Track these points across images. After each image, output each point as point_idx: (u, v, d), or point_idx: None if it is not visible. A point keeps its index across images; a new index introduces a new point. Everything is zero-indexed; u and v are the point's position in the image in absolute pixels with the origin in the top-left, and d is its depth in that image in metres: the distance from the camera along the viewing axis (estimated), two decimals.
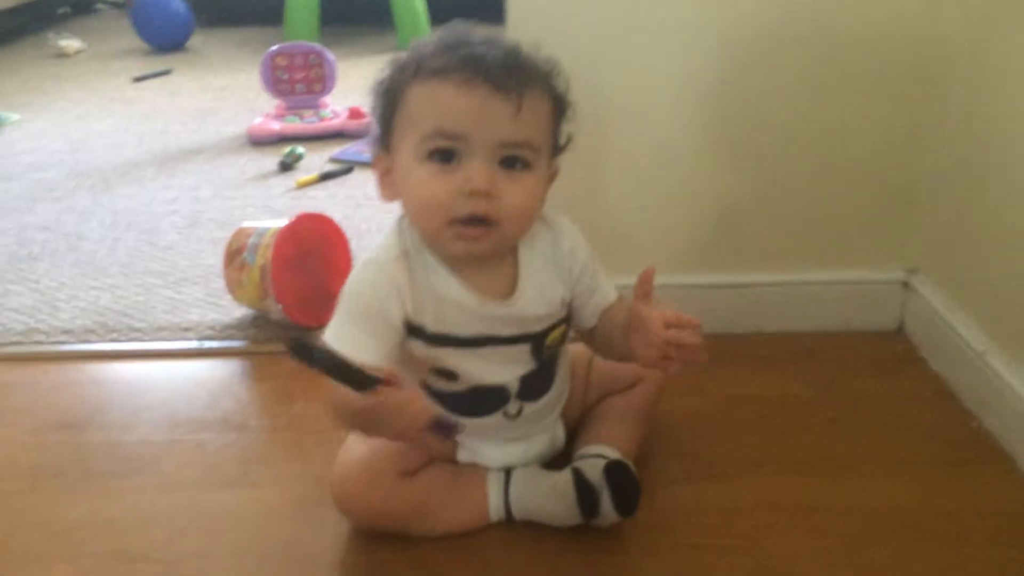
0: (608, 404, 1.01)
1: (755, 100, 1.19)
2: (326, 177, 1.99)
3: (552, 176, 0.88)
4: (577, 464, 0.91)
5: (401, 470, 0.90)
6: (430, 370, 0.89)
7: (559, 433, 1.00)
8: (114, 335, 1.33)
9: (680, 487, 0.98)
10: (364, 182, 1.96)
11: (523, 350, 0.89)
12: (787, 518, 0.94)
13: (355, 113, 2.32)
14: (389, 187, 0.86)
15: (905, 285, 1.28)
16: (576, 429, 1.01)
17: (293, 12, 3.31)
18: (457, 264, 0.85)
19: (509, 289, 0.87)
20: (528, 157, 0.81)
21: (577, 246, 0.91)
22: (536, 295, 0.88)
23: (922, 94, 1.19)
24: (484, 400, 0.90)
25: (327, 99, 2.40)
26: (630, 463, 0.91)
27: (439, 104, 0.79)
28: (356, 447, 0.92)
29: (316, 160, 2.12)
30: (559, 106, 0.85)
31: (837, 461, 1.03)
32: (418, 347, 0.87)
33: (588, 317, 0.94)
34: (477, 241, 0.82)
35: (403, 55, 0.83)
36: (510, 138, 0.79)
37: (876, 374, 1.21)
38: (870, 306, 1.30)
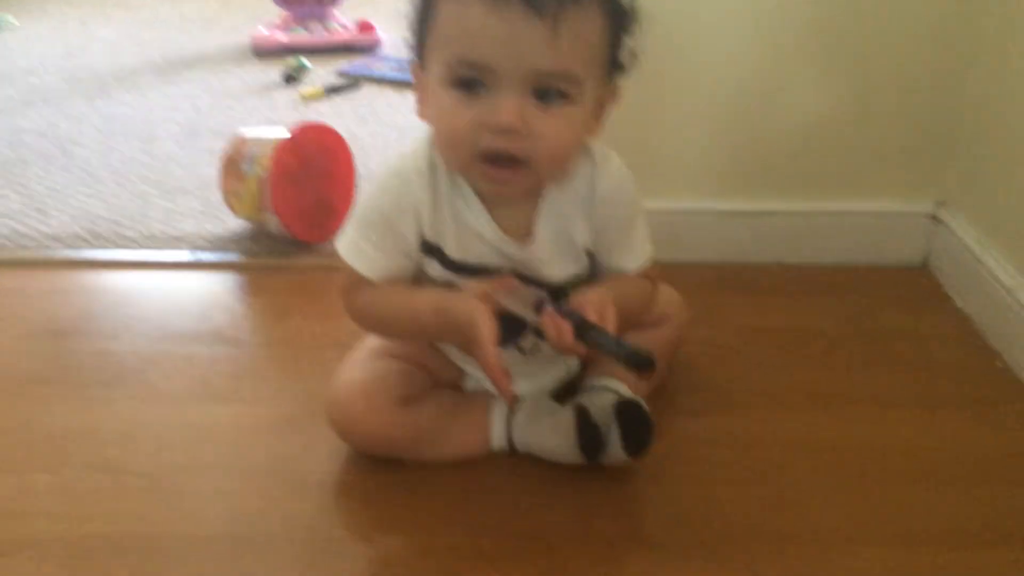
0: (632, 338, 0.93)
1: (789, 25, 1.12)
2: (332, 91, 1.91)
3: (611, 98, 0.78)
4: (583, 401, 0.85)
5: (401, 396, 0.85)
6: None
7: (573, 366, 0.93)
8: (104, 243, 1.27)
9: (691, 419, 0.94)
10: (371, 98, 1.89)
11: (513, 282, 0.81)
12: (802, 453, 0.90)
13: (364, 26, 2.23)
14: (424, 104, 0.77)
15: (934, 218, 1.22)
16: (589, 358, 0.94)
17: None
18: (484, 192, 0.78)
19: (528, 231, 0.80)
20: (567, 89, 0.70)
21: (617, 193, 0.81)
22: (552, 242, 0.80)
23: (958, 23, 1.12)
24: (499, 329, 0.83)
25: (335, 11, 2.31)
26: (642, 401, 0.84)
27: (467, 26, 0.69)
28: (354, 370, 0.87)
29: (322, 74, 2.04)
30: (617, 21, 0.73)
31: (856, 397, 0.99)
32: (435, 268, 0.81)
33: (611, 270, 0.85)
34: (506, 183, 0.74)
35: None
36: (545, 67, 0.69)
37: (900, 310, 1.16)
38: (896, 239, 1.25)
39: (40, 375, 1.00)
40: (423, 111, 0.77)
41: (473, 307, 0.74)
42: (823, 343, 1.08)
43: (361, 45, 2.21)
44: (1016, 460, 0.90)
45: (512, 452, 0.87)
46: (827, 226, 1.24)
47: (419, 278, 0.83)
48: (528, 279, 0.80)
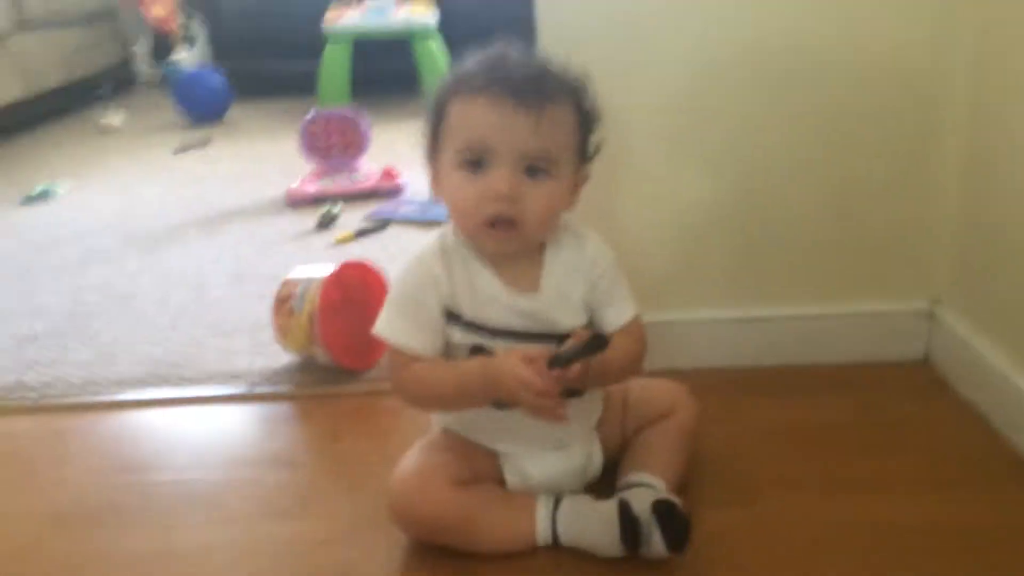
0: (648, 433, 1.04)
1: (775, 131, 1.25)
2: (362, 234, 2.07)
3: (583, 180, 0.98)
4: (624, 495, 0.94)
5: (453, 479, 0.95)
6: (468, 350, 0.96)
7: (596, 454, 1.04)
8: (166, 383, 1.39)
9: (723, 510, 1.01)
10: (398, 237, 2.04)
11: (551, 349, 0.93)
12: (824, 536, 0.97)
13: (388, 174, 2.41)
14: (437, 188, 0.97)
15: (930, 315, 1.32)
16: (618, 459, 1.05)
17: (326, 81, 3.46)
18: (491, 259, 0.95)
19: (534, 285, 0.96)
20: (548, 167, 0.91)
21: (601, 253, 1.00)
22: (557, 293, 0.96)
23: (934, 124, 1.24)
24: None
25: (361, 161, 2.50)
26: (677, 500, 0.94)
27: (471, 119, 0.90)
28: (410, 461, 0.98)
29: (352, 218, 2.20)
30: (586, 119, 0.95)
31: (871, 483, 1.06)
32: (456, 333, 0.95)
33: (605, 327, 0.99)
34: (505, 240, 0.92)
35: (449, 75, 0.94)
36: (531, 149, 0.89)
37: (907, 401, 1.24)
38: (896, 337, 1.34)
39: (120, 505, 1.10)
40: (436, 190, 0.97)
41: (512, 357, 0.90)
42: (837, 435, 1.17)
43: (386, 190, 2.38)
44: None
45: (555, 546, 0.95)
46: (831, 328, 1.33)
47: (446, 353, 0.97)
48: (539, 336, 0.94)
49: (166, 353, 1.49)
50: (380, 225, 2.12)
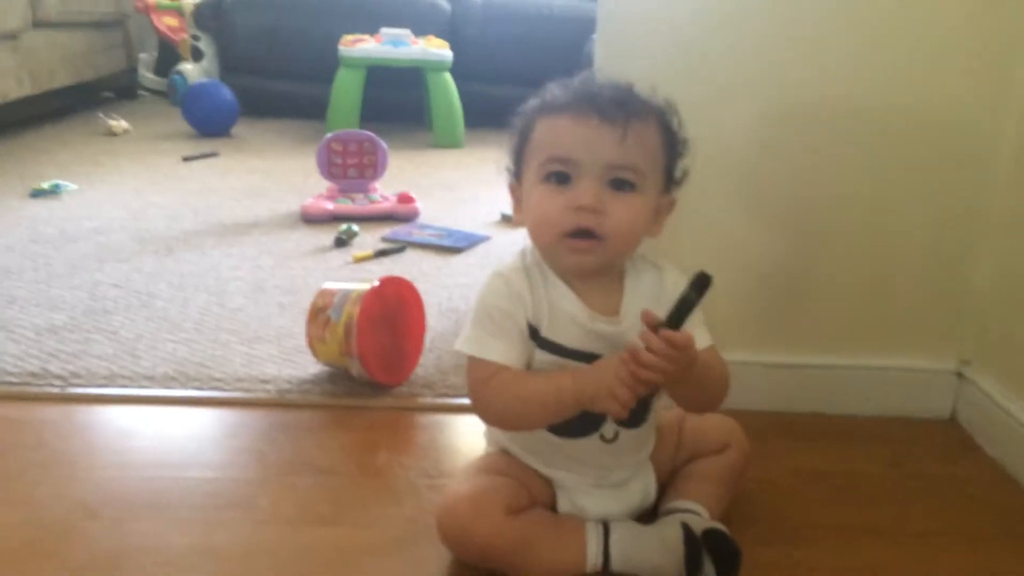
0: (698, 464, 1.05)
1: (827, 184, 1.28)
2: (381, 254, 2.07)
3: (669, 207, 0.97)
4: (685, 519, 0.95)
5: (507, 506, 0.94)
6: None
7: (651, 486, 1.04)
8: (196, 383, 1.37)
9: (764, 548, 1.02)
10: (417, 261, 2.05)
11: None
12: None
13: (404, 198, 2.42)
14: (519, 212, 0.97)
15: (959, 375, 1.35)
16: (665, 486, 1.05)
17: (337, 105, 3.48)
18: (571, 280, 0.94)
19: (615, 310, 0.95)
20: (633, 179, 0.89)
21: (681, 285, 0.96)
22: (637, 319, 0.92)
23: (976, 186, 1.28)
24: (583, 415, 0.92)
25: (376, 184, 2.51)
26: (726, 529, 0.94)
27: (556, 134, 0.90)
28: (465, 483, 0.97)
29: (368, 239, 2.20)
30: (671, 140, 0.94)
31: (904, 531, 1.08)
32: (534, 352, 0.94)
33: None
34: (586, 253, 0.91)
35: (531, 101, 0.95)
36: (616, 161, 0.88)
37: (935, 457, 1.26)
38: (924, 393, 1.36)
39: (158, 499, 1.08)
40: (518, 218, 0.97)
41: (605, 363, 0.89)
42: (869, 483, 1.18)
43: (402, 214, 2.39)
44: None
45: (605, 571, 0.94)
46: (859, 380, 1.36)
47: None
48: None
49: (192, 353, 1.47)
50: (399, 247, 2.12)
